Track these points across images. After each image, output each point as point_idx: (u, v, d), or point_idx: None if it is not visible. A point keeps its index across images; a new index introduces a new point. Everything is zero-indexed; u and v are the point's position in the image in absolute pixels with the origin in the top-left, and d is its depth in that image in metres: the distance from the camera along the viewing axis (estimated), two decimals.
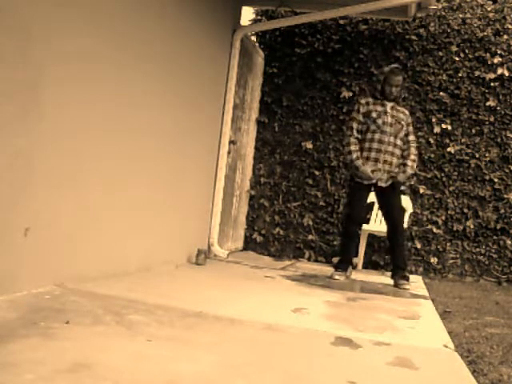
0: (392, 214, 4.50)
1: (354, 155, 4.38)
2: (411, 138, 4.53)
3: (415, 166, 4.52)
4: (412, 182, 5.81)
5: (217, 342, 2.16)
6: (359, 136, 4.43)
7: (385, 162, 4.39)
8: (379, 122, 4.38)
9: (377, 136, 4.39)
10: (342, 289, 4.06)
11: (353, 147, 4.40)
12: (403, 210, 4.60)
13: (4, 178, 2.35)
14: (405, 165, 4.45)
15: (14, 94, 2.35)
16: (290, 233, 6.07)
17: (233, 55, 5.10)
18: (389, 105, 4.45)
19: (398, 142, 4.44)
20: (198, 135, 4.60)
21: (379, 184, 4.42)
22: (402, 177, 4.44)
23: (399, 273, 4.48)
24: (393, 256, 4.61)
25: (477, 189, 5.75)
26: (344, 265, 4.60)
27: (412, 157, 4.47)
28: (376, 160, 4.38)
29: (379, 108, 4.42)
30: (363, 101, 4.49)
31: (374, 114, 4.40)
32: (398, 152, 4.44)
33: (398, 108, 4.51)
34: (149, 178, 3.74)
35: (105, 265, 3.23)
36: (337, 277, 4.51)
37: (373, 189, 4.53)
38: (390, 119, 4.40)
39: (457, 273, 5.77)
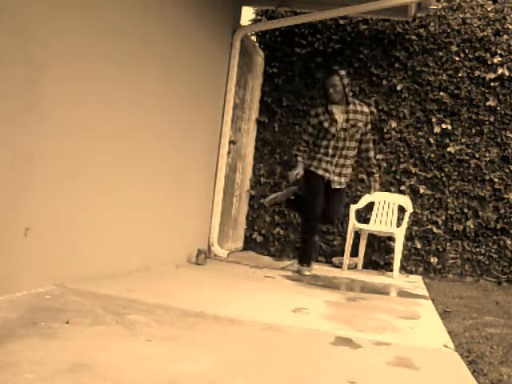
0: (329, 212, 4.61)
1: (299, 158, 4.54)
2: (369, 136, 4.65)
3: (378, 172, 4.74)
4: (412, 182, 5.81)
5: (217, 341, 2.16)
6: (308, 147, 4.58)
7: (336, 164, 4.51)
8: (332, 130, 4.45)
9: (332, 143, 4.48)
10: (341, 289, 4.06)
11: (300, 153, 4.55)
12: (342, 214, 4.87)
13: (4, 177, 2.35)
14: (371, 173, 4.65)
15: (14, 93, 2.35)
16: (290, 233, 6.07)
17: (233, 55, 5.10)
18: (340, 108, 4.46)
19: (353, 144, 4.53)
20: (198, 135, 4.61)
21: (332, 186, 4.54)
22: (374, 190, 4.66)
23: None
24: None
25: (477, 189, 5.75)
26: (308, 259, 4.68)
27: (374, 161, 4.68)
28: (329, 163, 4.50)
29: (330, 116, 4.45)
30: (313, 112, 4.56)
31: (325, 124, 4.46)
32: (351, 154, 4.55)
33: (356, 108, 4.50)
34: (149, 178, 3.74)
35: (105, 265, 3.23)
36: (307, 273, 4.59)
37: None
38: (343, 125, 4.45)
39: (457, 273, 5.77)
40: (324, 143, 4.49)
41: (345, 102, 4.46)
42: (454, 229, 5.76)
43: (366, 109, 4.56)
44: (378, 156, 5.72)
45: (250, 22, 6.17)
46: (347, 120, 4.45)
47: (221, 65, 4.98)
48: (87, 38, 2.83)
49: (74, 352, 1.78)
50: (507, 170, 5.71)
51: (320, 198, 4.56)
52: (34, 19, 2.42)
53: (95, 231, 3.10)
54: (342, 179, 4.56)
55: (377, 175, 4.69)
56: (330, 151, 4.48)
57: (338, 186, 4.54)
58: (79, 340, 1.93)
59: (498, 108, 5.72)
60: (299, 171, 4.48)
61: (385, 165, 4.63)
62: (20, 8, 2.33)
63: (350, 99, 4.47)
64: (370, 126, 4.62)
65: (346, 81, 4.41)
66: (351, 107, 4.48)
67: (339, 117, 4.45)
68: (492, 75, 5.72)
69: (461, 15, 5.90)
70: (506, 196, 5.69)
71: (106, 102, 3.08)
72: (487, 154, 5.75)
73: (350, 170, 4.61)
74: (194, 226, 4.72)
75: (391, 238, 5.67)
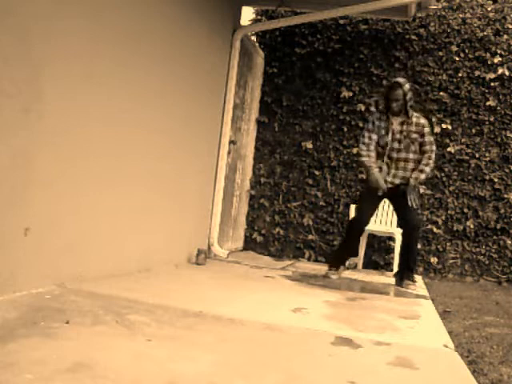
0: (406, 216, 4.42)
1: (365, 159, 4.39)
2: (428, 147, 4.40)
3: (429, 170, 4.41)
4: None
5: (217, 341, 2.16)
6: (371, 143, 4.42)
7: (397, 168, 4.40)
8: (387, 139, 4.39)
9: (387, 151, 4.41)
10: (341, 289, 4.06)
11: (364, 153, 4.40)
12: (419, 212, 4.60)
13: (4, 177, 2.35)
14: (420, 170, 4.37)
15: (14, 93, 2.35)
16: (290, 233, 6.07)
17: (233, 55, 5.10)
18: (397, 120, 4.40)
19: (411, 156, 4.40)
20: (198, 135, 4.60)
21: (389, 186, 4.39)
22: (412, 181, 4.35)
23: (406, 273, 4.51)
24: (404, 256, 4.55)
25: (477, 189, 5.75)
26: (338, 263, 4.62)
27: (425, 161, 4.38)
28: (389, 166, 4.41)
29: (386, 125, 4.41)
30: (377, 114, 4.51)
31: (382, 131, 4.42)
32: (410, 165, 4.40)
33: (411, 121, 4.39)
34: (149, 178, 3.74)
35: (105, 265, 3.23)
36: (333, 276, 4.53)
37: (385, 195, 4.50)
38: (397, 136, 4.38)
39: (457, 273, 5.77)
40: (380, 151, 4.44)
41: (404, 114, 4.40)
42: (454, 229, 5.76)
43: (422, 120, 4.45)
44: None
45: (250, 22, 6.17)
46: (400, 131, 4.38)
47: (221, 65, 4.98)
48: (87, 38, 2.83)
49: (74, 352, 1.78)
50: (507, 170, 5.71)
51: (367, 210, 4.48)
52: (34, 18, 2.42)
53: (95, 231, 3.10)
54: (400, 183, 4.39)
55: (421, 173, 4.37)
56: (386, 159, 4.42)
57: (393, 185, 4.39)
58: (79, 340, 1.93)
59: (498, 108, 5.72)
60: (379, 180, 4.34)
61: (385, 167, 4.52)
62: (20, 7, 2.33)
63: (409, 112, 4.39)
64: (429, 139, 4.41)
65: (409, 95, 4.34)
66: (408, 119, 4.40)
67: (395, 127, 4.40)
68: (492, 75, 5.72)
69: (461, 15, 5.90)
70: (506, 196, 5.70)
71: (105, 101, 3.08)
72: (487, 154, 5.75)
73: (407, 174, 4.40)
74: (194, 226, 4.72)
75: (391, 238, 5.67)
